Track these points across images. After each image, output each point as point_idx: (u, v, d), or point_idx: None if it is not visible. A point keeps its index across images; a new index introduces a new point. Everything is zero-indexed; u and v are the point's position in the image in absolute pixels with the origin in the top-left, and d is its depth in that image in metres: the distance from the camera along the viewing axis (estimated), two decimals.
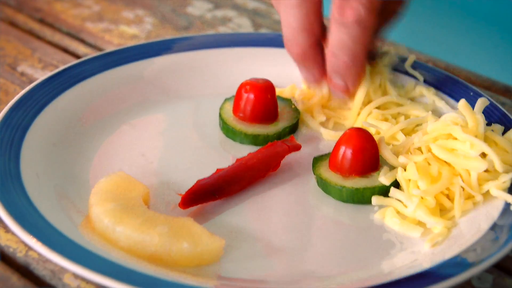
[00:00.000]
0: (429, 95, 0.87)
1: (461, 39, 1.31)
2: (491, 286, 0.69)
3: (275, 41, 0.93)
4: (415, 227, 0.73)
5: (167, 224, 0.69)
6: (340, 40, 0.78)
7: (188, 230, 0.69)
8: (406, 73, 0.90)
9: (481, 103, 0.79)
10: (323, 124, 0.86)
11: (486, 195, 0.74)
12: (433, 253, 0.70)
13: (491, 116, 0.82)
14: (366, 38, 0.79)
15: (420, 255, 0.70)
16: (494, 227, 0.71)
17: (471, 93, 0.87)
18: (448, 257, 0.68)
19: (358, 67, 0.81)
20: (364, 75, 0.83)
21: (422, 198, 0.74)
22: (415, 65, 0.92)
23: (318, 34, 0.80)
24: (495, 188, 0.73)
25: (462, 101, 0.77)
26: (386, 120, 0.84)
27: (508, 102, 0.95)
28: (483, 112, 0.79)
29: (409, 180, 0.75)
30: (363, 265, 0.70)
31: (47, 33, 1.05)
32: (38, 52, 1.00)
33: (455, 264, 0.67)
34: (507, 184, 0.74)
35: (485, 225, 0.71)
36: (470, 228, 0.72)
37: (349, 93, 0.83)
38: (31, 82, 0.93)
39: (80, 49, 1.02)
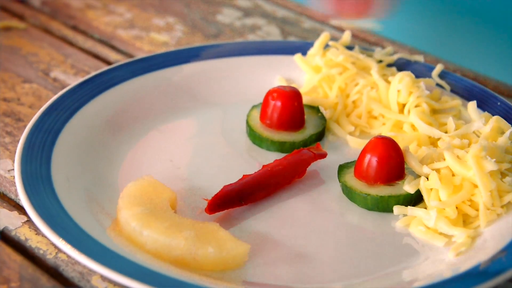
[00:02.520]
0: (455, 104, 0.87)
1: (490, 49, 1.31)
2: None
3: (303, 49, 0.94)
4: (439, 236, 0.73)
5: (193, 228, 0.70)
6: None
7: (213, 235, 0.70)
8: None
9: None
10: (349, 132, 0.87)
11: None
12: (457, 263, 0.70)
13: None
14: None
15: (444, 264, 0.70)
16: None
17: (499, 103, 0.87)
18: (471, 267, 0.68)
19: None
20: None
21: (442, 209, 0.74)
22: (442, 75, 0.92)
23: None
24: None
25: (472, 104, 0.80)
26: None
27: None
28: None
29: (431, 189, 0.75)
30: (387, 273, 0.70)
31: (80, 40, 1.07)
32: (70, 58, 1.02)
33: (478, 274, 0.67)
34: None
35: (509, 234, 0.71)
36: (494, 237, 0.72)
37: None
38: (63, 87, 0.95)
39: (112, 55, 1.03)
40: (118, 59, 1.02)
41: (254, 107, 0.88)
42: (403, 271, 0.70)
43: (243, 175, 0.78)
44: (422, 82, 0.86)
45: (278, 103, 0.84)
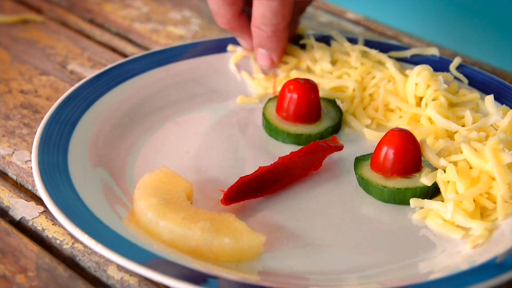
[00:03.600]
0: (473, 98, 0.86)
1: (506, 43, 1.30)
2: None
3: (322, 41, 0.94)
4: (456, 229, 0.73)
5: (209, 219, 0.70)
6: (261, 13, 0.84)
7: (229, 225, 0.70)
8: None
9: None
10: (366, 125, 0.86)
11: None
12: (474, 255, 0.70)
13: None
14: (286, 11, 0.84)
15: (461, 256, 0.70)
16: None
17: None
18: (488, 259, 0.67)
19: (280, 39, 0.87)
20: (286, 46, 0.90)
21: (459, 202, 0.73)
22: (460, 68, 0.91)
23: (241, 6, 0.87)
24: None
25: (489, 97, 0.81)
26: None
27: None
28: None
29: (448, 182, 0.75)
30: (403, 264, 0.70)
31: (97, 33, 1.07)
32: (87, 51, 1.02)
33: (495, 267, 0.66)
34: None
35: None
36: None
37: (274, 64, 0.89)
38: (80, 80, 0.95)
39: (128, 48, 1.04)
40: (134, 52, 1.03)
41: (270, 99, 0.88)
42: (420, 263, 0.70)
43: (259, 167, 0.77)
44: (440, 76, 0.86)
45: (295, 96, 0.84)
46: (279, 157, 0.79)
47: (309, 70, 0.92)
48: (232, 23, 0.88)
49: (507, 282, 0.67)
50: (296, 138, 0.84)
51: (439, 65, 0.91)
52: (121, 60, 0.92)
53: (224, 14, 0.87)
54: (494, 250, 0.69)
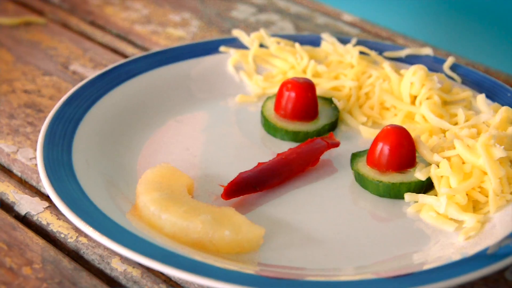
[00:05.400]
0: (466, 96, 0.89)
1: (500, 44, 1.32)
2: None
3: (316, 43, 0.97)
4: (449, 222, 0.75)
5: (210, 212, 0.72)
6: None
7: (229, 218, 0.72)
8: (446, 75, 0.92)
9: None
10: (362, 122, 0.89)
11: None
12: (467, 246, 0.72)
13: None
14: None
15: (454, 248, 0.72)
16: None
17: (509, 94, 0.88)
18: (479, 250, 0.70)
19: None
20: None
21: (452, 196, 0.75)
22: (453, 67, 0.94)
23: None
24: None
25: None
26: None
27: None
28: None
29: (441, 177, 0.77)
30: (398, 255, 0.72)
31: (98, 34, 1.09)
32: (89, 52, 1.04)
33: (487, 256, 0.68)
34: None
35: None
36: (503, 222, 0.73)
37: None
38: (82, 80, 0.97)
39: (129, 50, 1.06)
40: (135, 53, 1.05)
41: (268, 98, 0.90)
42: (414, 254, 0.72)
43: (258, 163, 0.80)
44: (435, 76, 0.88)
45: (292, 94, 0.86)
46: (277, 154, 0.81)
47: (304, 71, 0.94)
48: None
49: (498, 273, 0.69)
50: (294, 136, 0.86)
51: (433, 64, 0.94)
52: (122, 60, 0.94)
53: None
54: (485, 242, 0.71)
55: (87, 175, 0.76)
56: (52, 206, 0.78)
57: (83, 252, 0.73)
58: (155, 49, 1.05)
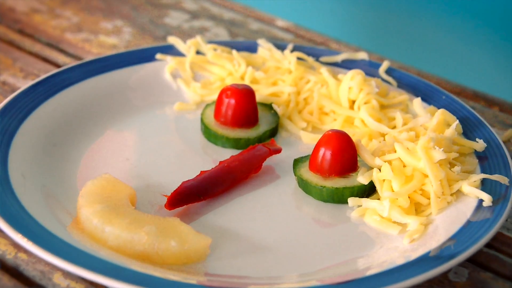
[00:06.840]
0: (402, 100, 0.90)
1: (433, 48, 1.35)
2: (467, 279, 0.72)
3: (253, 49, 0.96)
4: (393, 225, 0.76)
5: (154, 223, 0.70)
6: None
7: (175, 229, 0.71)
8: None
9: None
10: (302, 128, 0.89)
11: (461, 192, 0.78)
12: (411, 249, 0.73)
13: (466, 119, 0.86)
14: None
15: (397, 251, 0.73)
16: (468, 223, 0.74)
17: (443, 97, 0.90)
18: (423, 252, 0.70)
19: None
20: None
21: (394, 199, 0.76)
22: (388, 71, 0.95)
23: None
24: (467, 186, 0.77)
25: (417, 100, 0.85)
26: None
27: (478, 106, 0.99)
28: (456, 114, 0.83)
29: (383, 180, 0.78)
30: (343, 261, 0.72)
31: (27, 43, 1.06)
32: (19, 62, 1.01)
33: (430, 259, 0.69)
34: (478, 183, 0.77)
35: (459, 221, 0.74)
36: (445, 224, 0.75)
37: None
38: (13, 91, 0.94)
39: (60, 58, 1.03)
40: (67, 62, 1.02)
41: (207, 105, 0.89)
42: (358, 259, 0.73)
43: (201, 171, 0.79)
44: (373, 81, 0.89)
45: (232, 101, 0.86)
46: (219, 161, 0.81)
47: (242, 78, 0.93)
48: None
49: (442, 275, 0.70)
50: (235, 143, 0.85)
51: (368, 69, 0.95)
52: (55, 70, 0.91)
53: None
54: (429, 244, 0.72)
55: (24, 188, 0.74)
56: None
57: (23, 268, 0.71)
58: (88, 57, 1.03)
